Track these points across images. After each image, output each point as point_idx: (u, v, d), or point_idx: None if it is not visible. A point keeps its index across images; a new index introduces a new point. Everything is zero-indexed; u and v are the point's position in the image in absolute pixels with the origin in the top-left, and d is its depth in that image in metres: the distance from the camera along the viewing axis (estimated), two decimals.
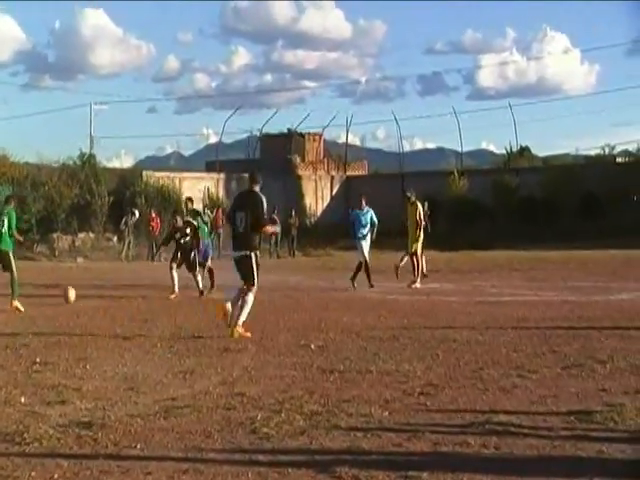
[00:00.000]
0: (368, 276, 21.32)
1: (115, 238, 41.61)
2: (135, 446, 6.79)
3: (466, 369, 9.98)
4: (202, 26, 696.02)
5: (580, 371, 9.70)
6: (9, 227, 17.08)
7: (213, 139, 72.46)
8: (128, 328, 14.02)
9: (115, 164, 66.39)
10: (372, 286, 21.04)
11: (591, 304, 17.05)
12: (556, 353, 11.00)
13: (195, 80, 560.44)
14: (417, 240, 22.35)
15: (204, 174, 53.77)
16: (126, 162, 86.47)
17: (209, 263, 21.37)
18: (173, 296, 19.48)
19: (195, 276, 20.33)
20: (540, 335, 12.64)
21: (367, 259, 21.41)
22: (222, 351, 11.55)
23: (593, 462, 6.28)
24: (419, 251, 22.38)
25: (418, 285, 21.67)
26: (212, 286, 20.51)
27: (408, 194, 23.19)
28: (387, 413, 7.77)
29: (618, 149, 63.48)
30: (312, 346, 11.80)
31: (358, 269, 21.45)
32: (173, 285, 19.81)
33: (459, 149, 60.63)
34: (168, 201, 43.18)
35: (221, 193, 49.58)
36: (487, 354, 11.00)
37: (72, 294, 18.19)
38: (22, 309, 16.51)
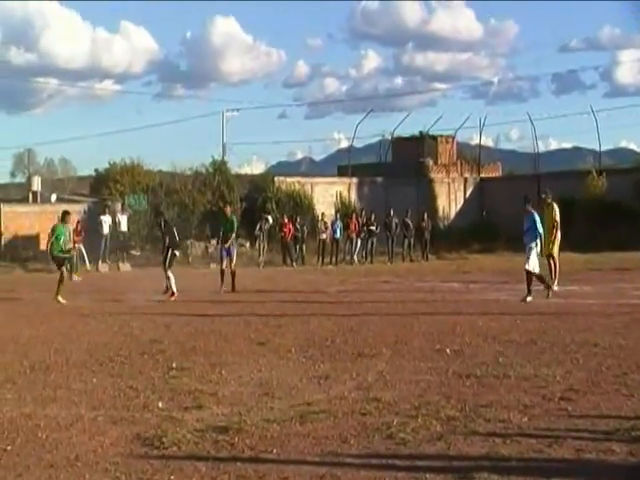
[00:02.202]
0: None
1: (248, 244, 42.12)
2: (272, 451, 6.85)
3: (609, 374, 9.75)
4: (331, 30, 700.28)
5: None
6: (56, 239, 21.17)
7: (344, 144, 72.61)
8: (262, 333, 14.17)
9: (247, 170, 67.21)
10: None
11: None
12: None
13: (325, 85, 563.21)
14: (554, 242, 21.86)
15: (336, 179, 53.95)
16: (257, 168, 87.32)
17: None
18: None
19: None
20: None
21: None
22: (356, 356, 11.57)
23: None
24: (556, 253, 21.87)
25: (556, 288, 21.11)
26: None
27: (544, 195, 22.72)
28: (526, 419, 7.65)
29: None
30: (447, 350, 11.72)
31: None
32: None
33: (597, 148, 59.35)
34: (300, 206, 43.50)
35: (353, 197, 49.67)
36: (631, 358, 10.73)
37: None
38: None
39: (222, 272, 23.63)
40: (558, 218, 21.92)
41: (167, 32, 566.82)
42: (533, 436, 7.05)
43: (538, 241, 19.34)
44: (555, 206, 22.06)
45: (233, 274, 23.27)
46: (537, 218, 19.63)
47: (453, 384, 9.42)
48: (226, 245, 23.80)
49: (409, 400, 8.55)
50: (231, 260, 23.68)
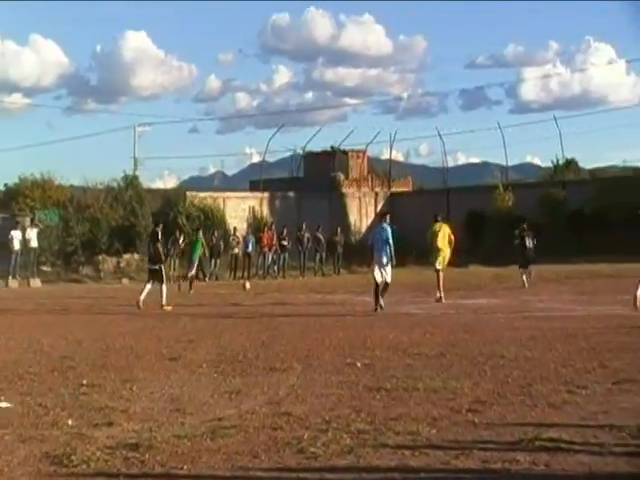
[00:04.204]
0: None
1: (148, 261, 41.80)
2: (182, 467, 6.81)
3: (514, 385, 9.92)
4: (242, 45, 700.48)
5: (631, 386, 9.60)
6: None
7: (256, 158, 72.51)
8: (174, 349, 14.09)
9: (159, 185, 66.86)
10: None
11: None
12: (606, 368, 10.90)
13: (236, 99, 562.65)
14: (446, 258, 23.25)
15: (248, 193, 53.93)
16: (170, 183, 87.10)
17: None
18: None
19: None
20: (590, 350, 12.54)
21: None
22: (268, 370, 11.58)
23: None
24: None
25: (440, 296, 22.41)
26: None
27: (438, 216, 24.01)
28: (435, 431, 7.74)
29: None
30: (358, 364, 11.79)
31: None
32: None
33: (504, 163, 60.34)
34: (212, 221, 43.36)
35: (265, 212, 49.70)
36: (535, 370, 10.93)
37: None
38: None
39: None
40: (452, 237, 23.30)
41: (77, 46, 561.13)
42: (441, 448, 7.13)
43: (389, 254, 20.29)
44: (446, 226, 23.64)
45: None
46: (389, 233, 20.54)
47: (363, 397, 9.48)
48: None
49: (320, 414, 8.58)
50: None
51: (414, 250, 36.86)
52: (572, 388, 9.56)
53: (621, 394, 9.20)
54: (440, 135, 58.99)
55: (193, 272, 31.45)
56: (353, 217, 55.34)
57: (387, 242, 20.28)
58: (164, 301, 22.23)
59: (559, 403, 8.81)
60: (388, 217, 21.52)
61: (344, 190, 56.40)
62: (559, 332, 14.83)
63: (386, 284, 20.43)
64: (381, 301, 20.30)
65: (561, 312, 18.71)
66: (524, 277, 27.44)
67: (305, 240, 40.45)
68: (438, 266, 23.01)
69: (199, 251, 32.21)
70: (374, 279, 20.43)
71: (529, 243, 28.41)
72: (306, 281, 36.15)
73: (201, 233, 32.77)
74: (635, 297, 17.51)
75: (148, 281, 23.06)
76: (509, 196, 49.97)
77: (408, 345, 13.70)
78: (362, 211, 56.05)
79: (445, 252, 23.24)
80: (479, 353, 12.55)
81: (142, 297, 22.22)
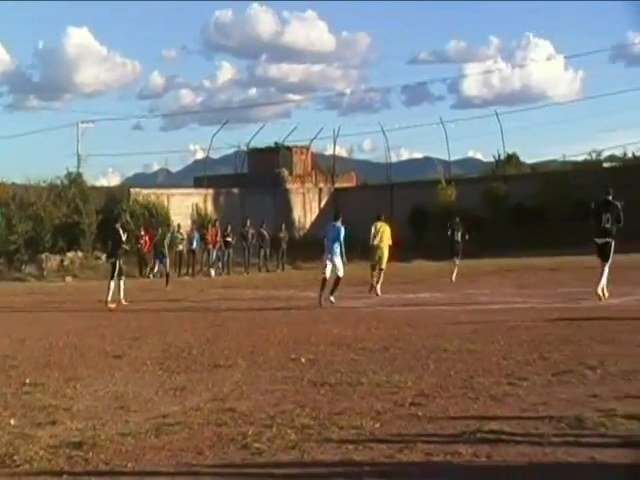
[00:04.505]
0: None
1: (104, 256, 41.52)
2: (126, 465, 6.78)
3: (457, 378, 9.99)
4: (185, 42, 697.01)
5: (570, 377, 9.72)
6: None
7: (200, 155, 72.26)
8: (118, 346, 14.01)
9: (103, 182, 66.37)
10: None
11: (581, 310, 17.11)
12: (546, 360, 11.03)
13: (180, 96, 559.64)
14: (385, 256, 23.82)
15: (192, 190, 53.74)
16: (114, 180, 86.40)
17: None
18: None
19: None
20: (530, 342, 12.66)
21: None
22: (212, 367, 11.55)
23: (585, 468, 6.30)
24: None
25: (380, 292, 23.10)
26: None
27: (380, 216, 24.62)
28: (379, 425, 7.78)
29: (605, 154, 63.51)
30: (303, 359, 11.81)
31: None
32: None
33: (446, 158, 60.71)
34: (156, 218, 43.13)
35: (210, 209, 49.55)
36: (478, 363, 11.02)
37: None
38: None
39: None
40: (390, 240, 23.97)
41: (18, 43, 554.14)
42: (385, 441, 7.17)
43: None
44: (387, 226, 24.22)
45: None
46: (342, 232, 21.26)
47: (308, 392, 9.50)
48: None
49: (264, 410, 8.58)
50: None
51: (359, 246, 37.02)
52: (513, 380, 9.65)
53: (560, 385, 9.32)
54: (383, 131, 59.30)
55: (167, 268, 32.42)
56: (297, 213, 55.42)
57: (339, 240, 20.94)
58: (122, 295, 22.62)
59: (500, 395, 8.89)
60: (340, 217, 21.90)
61: (288, 186, 56.45)
62: (501, 325, 14.96)
63: (338, 278, 20.94)
64: (332, 297, 20.74)
65: (503, 305, 18.86)
66: (454, 270, 27.93)
67: (249, 236, 40.40)
68: (376, 264, 23.58)
69: (165, 247, 33.54)
70: (323, 274, 20.86)
71: (457, 237, 28.92)
72: (251, 277, 36.10)
73: (171, 228, 33.90)
74: (599, 286, 18.52)
75: (111, 278, 22.85)
76: (452, 191, 50.36)
77: (352, 340, 13.74)
78: (306, 207, 56.15)
79: (384, 251, 23.74)
80: (422, 347, 12.62)
81: (109, 297, 22.17)
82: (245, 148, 60.08)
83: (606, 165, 59.28)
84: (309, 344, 13.47)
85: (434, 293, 23.23)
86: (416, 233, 47.14)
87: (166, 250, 33.14)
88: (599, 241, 19.12)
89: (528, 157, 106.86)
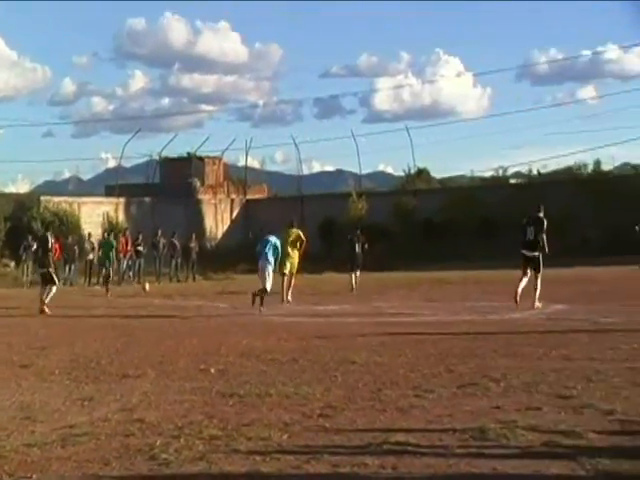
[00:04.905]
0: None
1: (13, 264, 40.84)
2: (31, 476, 6.68)
3: (365, 390, 10.06)
4: (97, 49, 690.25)
5: (475, 390, 9.87)
6: None
7: (112, 163, 71.69)
8: (25, 355, 13.78)
9: (11, 189, 65.37)
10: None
11: (486, 323, 17.37)
12: (452, 372, 11.18)
13: (92, 103, 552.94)
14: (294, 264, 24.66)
15: (103, 199, 53.23)
16: (23, 187, 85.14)
17: None
18: None
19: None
20: (437, 355, 12.82)
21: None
22: (121, 377, 11.45)
23: (487, 479, 6.42)
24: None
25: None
26: None
27: (292, 222, 25.70)
28: (286, 436, 7.79)
29: (511, 171, 64.67)
30: (212, 370, 11.78)
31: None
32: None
33: (358, 171, 61.20)
34: (67, 226, 42.59)
35: (121, 218, 49.11)
36: (385, 375, 11.11)
37: None
38: None
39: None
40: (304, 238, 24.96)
41: None
42: (292, 453, 7.19)
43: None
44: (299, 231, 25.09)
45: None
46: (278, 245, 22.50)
47: (216, 404, 9.47)
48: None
49: (173, 420, 8.53)
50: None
51: None
52: (420, 392, 9.76)
53: (465, 397, 9.45)
54: (295, 143, 59.71)
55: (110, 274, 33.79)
56: (209, 223, 55.29)
57: (276, 252, 22.17)
58: (47, 300, 22.66)
59: (407, 407, 8.98)
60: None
61: (200, 196, 56.30)
62: (409, 338, 15.11)
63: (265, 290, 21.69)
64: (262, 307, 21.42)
65: (411, 318, 19.06)
66: (353, 280, 28.35)
67: (161, 246, 40.14)
68: (285, 270, 24.04)
69: (111, 254, 35.06)
70: (264, 286, 21.71)
71: (357, 248, 29.48)
72: (162, 287, 35.82)
73: (112, 236, 34.95)
74: (516, 292, 19.30)
75: (43, 286, 23.22)
76: (362, 204, 50.77)
77: (262, 351, 13.74)
78: (218, 217, 56.07)
79: (294, 258, 24.42)
80: (331, 359, 12.68)
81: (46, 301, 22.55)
82: (157, 157, 59.74)
83: (512, 181, 60.45)
84: (219, 355, 13.43)
85: (343, 305, 23.34)
86: (326, 245, 47.36)
87: (109, 260, 34.58)
88: (527, 253, 20.19)
89: (438, 172, 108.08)
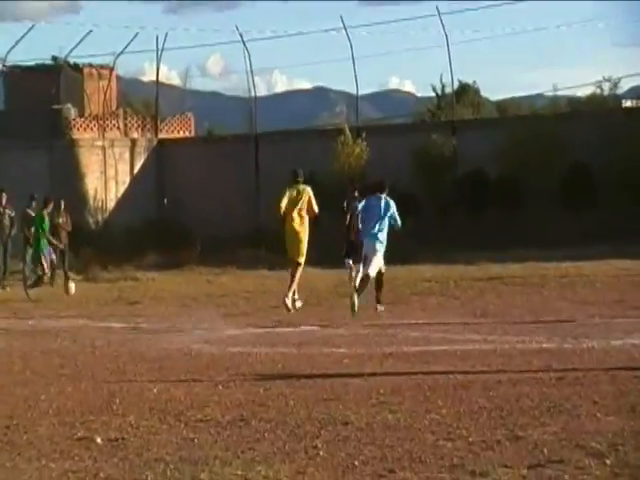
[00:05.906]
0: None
1: None
2: None
3: (366, 472, 9.95)
4: None
5: (561, 471, 9.85)
6: None
7: None
8: None
9: None
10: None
11: (580, 354, 17.39)
12: (520, 440, 11.17)
13: None
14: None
15: None
16: None
17: None
18: None
19: None
20: (492, 410, 12.83)
21: None
22: None
23: None
24: None
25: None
26: None
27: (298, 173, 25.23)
28: None
29: (626, 86, 64.25)
30: (98, 440, 11.74)
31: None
32: None
33: (353, 90, 60.83)
34: None
35: None
36: (402, 446, 11.04)
37: None
38: None
39: None
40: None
41: None
42: None
43: None
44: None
45: None
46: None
47: None
48: None
49: None
50: None
51: (199, 240, 37.25)
52: (463, 476, 9.76)
53: None
54: (243, 40, 59.41)
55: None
56: (92, 182, 55.08)
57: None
58: None
59: None
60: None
61: (76, 135, 56.09)
62: (443, 380, 15.14)
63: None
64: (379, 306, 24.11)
65: (446, 345, 19.09)
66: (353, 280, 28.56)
67: (6, 221, 39.84)
68: (300, 259, 24.57)
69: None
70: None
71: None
72: (9, 294, 35.78)
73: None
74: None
75: None
76: (361, 147, 50.99)
77: (186, 405, 13.70)
78: (108, 172, 55.86)
79: (303, 235, 24.59)
80: (307, 418, 12.63)
81: None
82: (2, 67, 59.52)
83: (627, 104, 60.05)
84: (110, 412, 13.42)
85: (327, 323, 23.33)
86: None
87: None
88: None
89: (492, 91, 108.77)
